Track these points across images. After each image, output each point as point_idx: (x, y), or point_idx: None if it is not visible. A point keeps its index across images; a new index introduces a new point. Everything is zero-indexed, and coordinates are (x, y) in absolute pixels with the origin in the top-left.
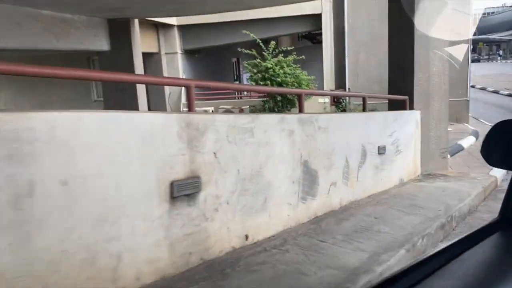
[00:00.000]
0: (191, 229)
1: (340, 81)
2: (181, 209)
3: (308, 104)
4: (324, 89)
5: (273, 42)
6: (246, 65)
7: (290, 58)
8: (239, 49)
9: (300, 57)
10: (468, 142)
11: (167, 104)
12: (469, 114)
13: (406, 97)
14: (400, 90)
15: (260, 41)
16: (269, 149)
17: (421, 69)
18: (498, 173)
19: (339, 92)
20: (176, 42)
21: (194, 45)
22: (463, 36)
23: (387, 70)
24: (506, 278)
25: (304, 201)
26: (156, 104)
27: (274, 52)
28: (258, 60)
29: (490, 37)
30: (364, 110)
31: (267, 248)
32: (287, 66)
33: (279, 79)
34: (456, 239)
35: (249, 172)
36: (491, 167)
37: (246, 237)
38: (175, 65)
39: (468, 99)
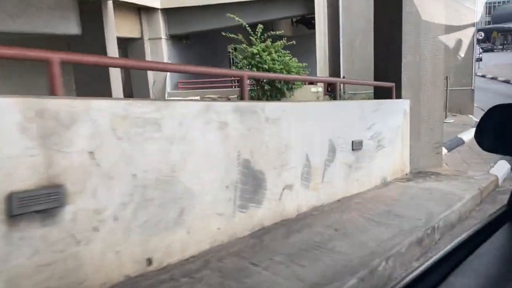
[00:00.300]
0: (49, 257)
1: (334, 69)
2: (29, 231)
3: (299, 94)
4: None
5: (260, 26)
6: (231, 49)
7: (279, 43)
8: (223, 33)
9: (290, 42)
10: (470, 135)
11: (151, 93)
12: (474, 105)
13: (392, 84)
14: (387, 76)
15: (246, 25)
16: (188, 147)
17: (411, 51)
18: (500, 171)
19: (304, 77)
20: (160, 27)
21: (180, 30)
22: (465, 19)
23: None
24: None
25: (244, 210)
26: (139, 92)
27: (262, 36)
28: (244, 45)
29: (505, 26)
30: (335, 98)
31: (175, 275)
32: (276, 52)
33: (266, 66)
34: (468, 233)
35: (154, 176)
36: (492, 164)
37: (149, 261)
38: (159, 52)
39: (473, 88)
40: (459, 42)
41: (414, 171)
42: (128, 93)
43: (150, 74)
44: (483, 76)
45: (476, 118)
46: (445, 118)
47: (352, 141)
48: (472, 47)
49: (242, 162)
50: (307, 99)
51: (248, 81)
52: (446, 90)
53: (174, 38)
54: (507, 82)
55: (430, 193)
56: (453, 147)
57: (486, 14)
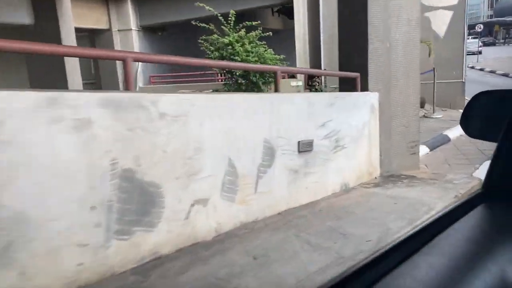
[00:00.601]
0: None
1: (315, 61)
2: None
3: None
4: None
5: (233, 12)
6: (201, 40)
7: (253, 34)
8: (192, 23)
9: (267, 34)
10: (457, 131)
11: (120, 86)
12: (466, 98)
13: (357, 74)
14: (352, 65)
15: (219, 14)
16: (18, 156)
17: (378, 36)
18: (483, 175)
19: (250, 66)
20: (130, 17)
21: (153, 21)
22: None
23: None
24: (492, 251)
25: (125, 236)
26: (108, 85)
27: (237, 27)
28: (216, 35)
29: (507, 19)
30: (276, 90)
31: None
32: (250, 43)
33: (238, 58)
34: (440, 213)
35: None
36: (477, 165)
37: None
38: (130, 44)
39: (463, 80)
40: (443, 26)
41: (386, 174)
42: (98, 88)
43: (120, 68)
44: (481, 69)
45: None
46: (433, 113)
47: (299, 142)
48: (463, 35)
49: (121, 173)
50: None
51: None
52: (434, 82)
53: (147, 30)
54: (506, 75)
55: (396, 202)
56: (437, 146)
57: (488, 7)
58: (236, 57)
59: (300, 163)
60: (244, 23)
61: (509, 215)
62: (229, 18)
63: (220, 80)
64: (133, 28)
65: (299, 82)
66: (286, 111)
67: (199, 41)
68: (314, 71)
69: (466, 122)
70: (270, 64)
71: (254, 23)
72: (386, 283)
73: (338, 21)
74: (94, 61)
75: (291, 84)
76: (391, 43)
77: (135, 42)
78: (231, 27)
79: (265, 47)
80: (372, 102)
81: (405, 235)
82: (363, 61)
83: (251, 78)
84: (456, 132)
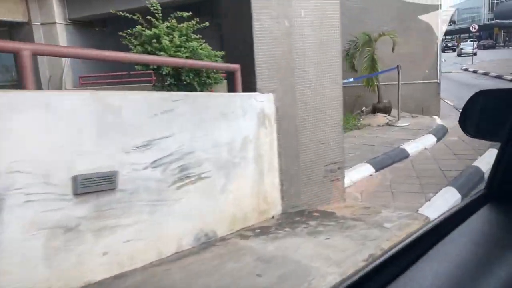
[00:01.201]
0: None
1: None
2: None
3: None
4: None
5: (154, 1)
6: (123, 33)
7: (185, 25)
8: (118, 13)
9: (203, 24)
10: (421, 145)
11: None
12: (448, 102)
13: (237, 66)
14: (235, 53)
15: (152, 4)
16: None
17: (271, 10)
18: (439, 207)
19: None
20: (54, 9)
21: (85, 13)
22: None
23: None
24: (497, 254)
25: None
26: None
27: (169, 18)
28: (140, 27)
29: (505, 22)
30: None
31: None
32: (180, 36)
33: (165, 54)
34: (443, 217)
35: None
36: (431, 194)
37: None
38: (55, 39)
39: (438, 81)
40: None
41: (291, 211)
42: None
43: (44, 67)
44: (474, 71)
45: (440, 121)
46: (398, 120)
47: (75, 177)
48: (436, 28)
49: None
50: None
51: None
52: (398, 83)
53: (81, 24)
54: (499, 77)
55: (261, 274)
56: (386, 165)
57: (489, 10)
58: (162, 53)
59: (83, 213)
60: (177, 14)
61: None
62: (153, 6)
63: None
64: (58, 22)
65: None
66: (31, 124)
67: (121, 33)
68: (177, 61)
69: (465, 122)
70: (207, 61)
71: (185, 15)
72: None
73: None
74: (15, 61)
75: None
76: (291, 22)
77: (62, 37)
78: (160, 17)
79: (200, 42)
80: (261, 108)
81: (410, 240)
82: (247, 48)
83: (183, 78)
84: (419, 145)
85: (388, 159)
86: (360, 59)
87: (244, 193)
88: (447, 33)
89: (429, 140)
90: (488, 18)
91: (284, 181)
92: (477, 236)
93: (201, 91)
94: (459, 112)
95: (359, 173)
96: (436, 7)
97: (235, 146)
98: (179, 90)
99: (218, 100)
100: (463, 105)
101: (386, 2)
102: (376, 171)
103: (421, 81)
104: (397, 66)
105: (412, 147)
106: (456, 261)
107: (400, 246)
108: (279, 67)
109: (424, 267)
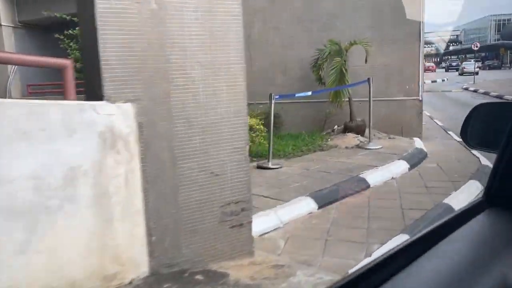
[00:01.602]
0: None
1: None
2: None
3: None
4: None
5: None
6: (59, 35)
7: None
8: (56, 15)
9: None
10: (387, 173)
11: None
12: (436, 122)
13: (67, 61)
14: (84, 45)
15: None
16: None
17: None
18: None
19: None
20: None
21: (38, 16)
22: None
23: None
24: (494, 257)
25: None
26: None
27: None
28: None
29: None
30: None
31: None
32: None
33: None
34: (443, 220)
35: None
36: (375, 246)
37: None
38: (0, 44)
39: (420, 98)
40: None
41: (167, 271)
42: None
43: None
44: (475, 90)
45: (419, 144)
46: (369, 142)
47: None
48: (418, 42)
49: None
50: None
51: None
52: (370, 99)
53: (32, 27)
54: (499, 97)
55: None
56: (334, 200)
57: (495, 31)
58: None
59: None
60: None
61: (510, 222)
62: None
63: None
64: (4, 24)
65: None
66: None
67: (57, 36)
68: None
69: (466, 133)
70: None
71: None
72: (391, 285)
73: None
74: None
75: None
76: (162, 2)
77: (8, 42)
78: None
79: None
80: (108, 124)
81: (409, 240)
82: (91, 36)
83: None
84: (385, 173)
85: (338, 192)
86: (327, 70)
87: (71, 251)
88: (452, 53)
89: (400, 167)
90: (495, 39)
91: (154, 230)
92: (476, 239)
93: None
94: (447, 134)
95: (294, 211)
96: (419, 9)
97: (50, 182)
98: None
99: (11, 111)
100: (463, 118)
101: (360, 7)
102: (319, 207)
103: (401, 98)
104: (368, 79)
105: (374, 176)
106: (454, 261)
107: (400, 245)
108: (143, 66)
109: (423, 265)
